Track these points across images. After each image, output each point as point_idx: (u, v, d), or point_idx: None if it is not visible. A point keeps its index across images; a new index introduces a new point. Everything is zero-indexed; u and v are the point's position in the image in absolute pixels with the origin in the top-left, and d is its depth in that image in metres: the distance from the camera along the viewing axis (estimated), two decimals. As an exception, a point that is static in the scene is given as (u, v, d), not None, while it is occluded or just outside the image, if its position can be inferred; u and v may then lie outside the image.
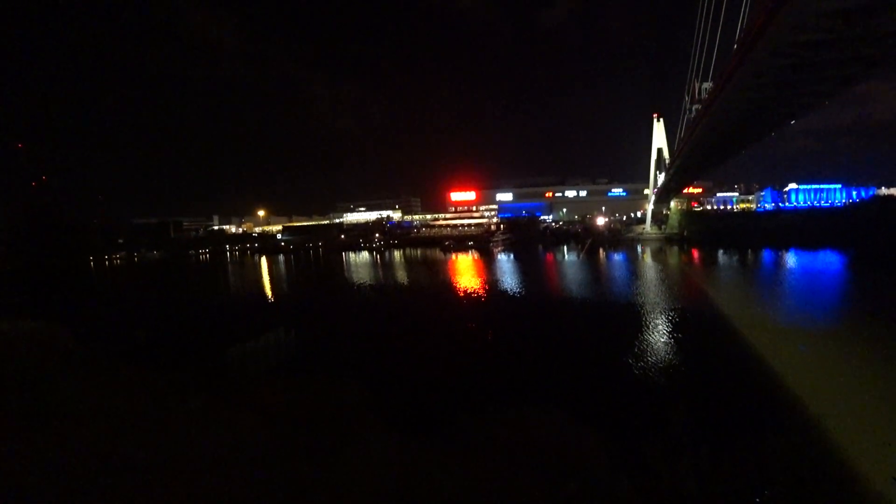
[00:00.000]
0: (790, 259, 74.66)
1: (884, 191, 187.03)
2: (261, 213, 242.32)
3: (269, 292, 69.59)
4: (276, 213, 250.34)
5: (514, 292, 57.15)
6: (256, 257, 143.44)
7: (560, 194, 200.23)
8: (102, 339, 36.14)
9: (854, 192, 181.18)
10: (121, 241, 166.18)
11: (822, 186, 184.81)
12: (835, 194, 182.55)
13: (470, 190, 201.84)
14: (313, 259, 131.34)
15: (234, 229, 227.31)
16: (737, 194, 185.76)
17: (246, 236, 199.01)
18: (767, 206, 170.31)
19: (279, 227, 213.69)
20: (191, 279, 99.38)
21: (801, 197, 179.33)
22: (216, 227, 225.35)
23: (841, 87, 32.04)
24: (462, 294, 57.44)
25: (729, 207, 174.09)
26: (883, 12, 21.90)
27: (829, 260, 72.26)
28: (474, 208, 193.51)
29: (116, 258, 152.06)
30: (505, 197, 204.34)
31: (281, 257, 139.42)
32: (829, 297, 46.57)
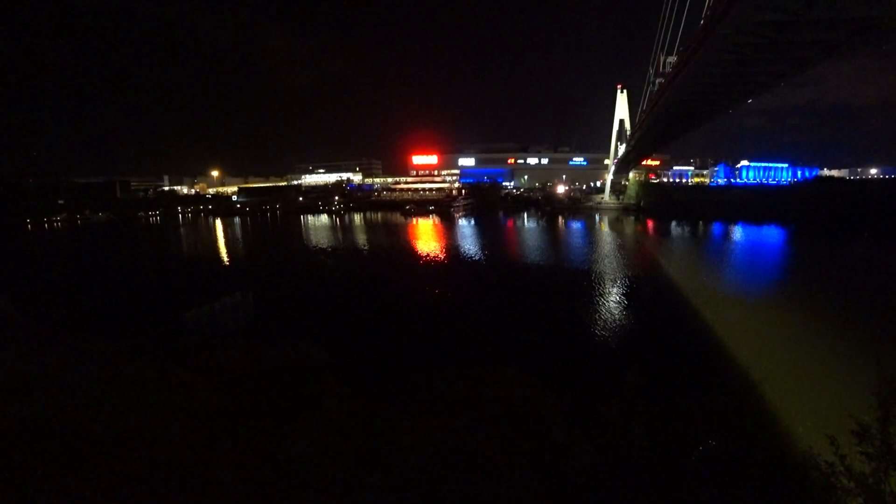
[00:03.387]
0: (738, 232, 78.48)
1: (825, 172, 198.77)
2: (214, 173, 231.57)
3: (224, 256, 67.38)
4: (230, 173, 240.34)
5: (475, 257, 57.69)
6: (211, 220, 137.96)
7: (522, 161, 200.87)
8: (44, 306, 34.11)
9: (799, 172, 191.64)
10: (61, 201, 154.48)
11: (770, 165, 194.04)
12: (782, 173, 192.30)
13: (432, 154, 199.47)
14: (271, 222, 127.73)
15: (186, 190, 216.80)
16: (692, 168, 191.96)
17: (199, 198, 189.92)
18: (720, 181, 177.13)
19: (234, 189, 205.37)
20: (141, 243, 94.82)
21: (751, 174, 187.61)
22: (167, 188, 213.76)
23: (798, 68, 33.20)
24: (422, 258, 57.50)
25: (684, 181, 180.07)
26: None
27: (773, 234, 76.45)
28: (436, 172, 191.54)
29: (56, 220, 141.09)
30: (467, 162, 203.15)
31: (237, 220, 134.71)
32: (771, 269, 49.49)
